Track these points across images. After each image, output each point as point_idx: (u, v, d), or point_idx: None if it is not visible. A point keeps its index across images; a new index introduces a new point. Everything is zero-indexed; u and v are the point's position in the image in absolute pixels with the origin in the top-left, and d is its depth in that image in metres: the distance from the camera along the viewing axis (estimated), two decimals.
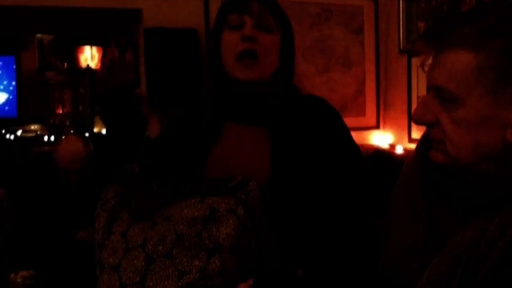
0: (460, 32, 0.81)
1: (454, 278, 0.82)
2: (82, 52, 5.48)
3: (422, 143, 0.98)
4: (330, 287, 1.15)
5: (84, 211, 2.74)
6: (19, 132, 4.69)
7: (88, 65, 5.39)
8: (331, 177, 1.18)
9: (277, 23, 1.22)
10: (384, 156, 2.98)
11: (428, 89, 0.88)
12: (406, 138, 3.03)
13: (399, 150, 3.00)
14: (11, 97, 5.02)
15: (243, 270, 1.06)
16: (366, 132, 3.19)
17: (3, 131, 4.67)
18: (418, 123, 0.88)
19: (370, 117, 3.18)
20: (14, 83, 5.05)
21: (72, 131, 4.68)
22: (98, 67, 5.48)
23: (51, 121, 4.96)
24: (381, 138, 3.23)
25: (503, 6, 0.82)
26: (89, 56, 5.46)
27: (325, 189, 1.17)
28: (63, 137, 2.86)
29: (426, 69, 0.88)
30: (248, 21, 1.20)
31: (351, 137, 1.27)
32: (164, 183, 1.14)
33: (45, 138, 4.58)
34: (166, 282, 1.02)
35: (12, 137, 4.59)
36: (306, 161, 1.18)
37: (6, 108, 4.98)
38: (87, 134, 4.52)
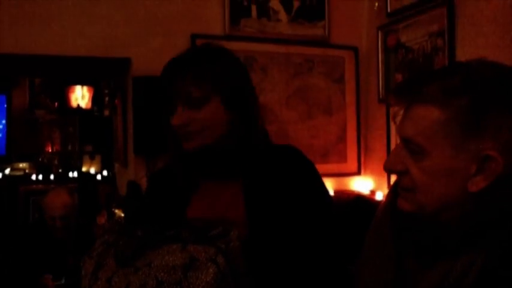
0: (428, 89, 0.87)
1: None
2: (73, 92, 5.55)
3: (392, 191, 1.03)
4: None
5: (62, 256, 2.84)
6: (7, 171, 4.71)
7: (78, 105, 5.46)
8: (304, 226, 1.21)
9: (213, 91, 1.19)
10: (364, 202, 3.01)
11: (400, 139, 0.93)
12: (385, 184, 3.08)
13: (379, 196, 3.05)
14: (0, 135, 5.06)
15: None
16: (347, 178, 3.23)
17: None
18: (389, 171, 0.94)
19: (352, 163, 3.23)
20: (3, 121, 5.10)
21: (60, 170, 4.70)
22: (88, 106, 5.55)
23: (40, 159, 4.98)
24: (361, 184, 3.27)
25: (468, 67, 0.89)
26: (80, 96, 5.54)
27: (300, 238, 1.20)
28: (51, 189, 3.11)
29: (397, 121, 0.94)
30: (178, 105, 1.20)
31: (323, 186, 1.29)
32: (147, 230, 1.18)
33: (33, 177, 4.59)
34: None
35: (0, 175, 4.61)
36: (279, 211, 1.20)
37: None
38: (75, 173, 4.55)
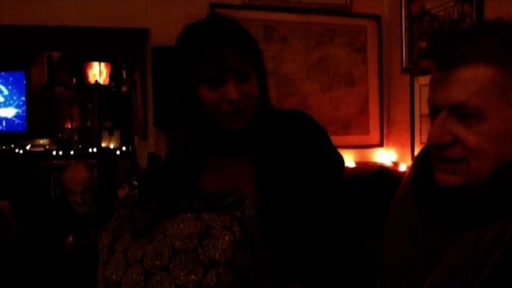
0: (475, 48, 0.81)
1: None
2: (91, 68, 5.56)
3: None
4: None
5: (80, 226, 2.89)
6: (28, 147, 4.75)
7: (96, 81, 5.47)
8: (315, 193, 1.19)
9: (252, 64, 1.17)
10: (387, 173, 2.98)
11: (436, 108, 0.87)
12: (409, 156, 3.03)
13: (402, 168, 3.01)
14: (20, 112, 5.09)
15: (240, 286, 1.08)
16: (369, 150, 3.19)
17: (13, 145, 4.73)
18: (435, 146, 0.87)
19: (374, 135, 3.18)
20: (23, 98, 5.13)
21: (80, 146, 4.73)
22: (106, 83, 5.56)
23: (60, 136, 5.02)
24: (384, 156, 3.23)
25: (508, 24, 0.84)
26: (97, 72, 5.54)
27: (311, 206, 1.18)
28: (71, 164, 3.15)
29: (437, 88, 0.86)
30: (229, 79, 1.13)
31: (333, 149, 1.26)
32: (161, 202, 1.17)
33: (54, 152, 4.63)
34: None
35: (21, 151, 4.65)
36: (291, 181, 1.19)
37: (16, 122, 5.06)
38: (95, 149, 4.57)
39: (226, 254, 1.05)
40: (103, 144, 4.84)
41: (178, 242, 1.08)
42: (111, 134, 4.92)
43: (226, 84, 1.13)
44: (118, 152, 4.65)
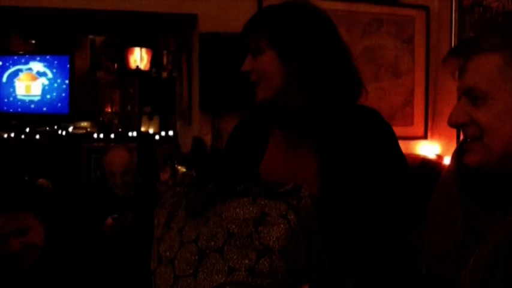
0: (486, 39, 0.94)
1: (497, 264, 0.87)
2: (132, 53, 5.63)
3: (457, 151, 1.04)
4: None
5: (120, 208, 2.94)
6: (70, 129, 4.86)
7: (137, 66, 5.54)
8: (375, 191, 1.19)
9: (269, 43, 1.23)
10: (430, 166, 2.94)
11: (459, 96, 0.97)
12: (454, 149, 2.97)
13: (447, 161, 2.94)
14: (63, 94, 5.21)
15: (293, 275, 1.08)
16: (413, 142, 3.15)
17: (56, 127, 4.85)
18: (453, 125, 0.97)
19: (418, 127, 3.14)
20: (67, 81, 5.24)
21: (120, 129, 4.81)
22: (146, 68, 5.63)
23: (101, 119, 5.12)
24: (428, 149, 3.19)
25: None
26: (138, 58, 5.61)
27: (370, 203, 1.19)
28: (112, 147, 3.19)
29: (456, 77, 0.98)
30: (248, 54, 1.27)
31: (399, 151, 1.26)
32: (218, 183, 1.18)
33: (95, 135, 4.72)
34: (216, 277, 1.05)
35: (63, 132, 4.76)
36: (352, 174, 1.19)
37: (59, 105, 5.17)
38: (135, 133, 4.64)
39: (281, 242, 1.05)
40: (142, 129, 4.91)
41: (233, 226, 1.09)
42: (150, 119, 4.99)
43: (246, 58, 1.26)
44: (157, 137, 4.71)
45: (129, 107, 5.28)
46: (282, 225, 1.06)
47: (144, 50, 5.63)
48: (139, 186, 3.11)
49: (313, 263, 1.10)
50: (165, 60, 5.67)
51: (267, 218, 1.07)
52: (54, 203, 2.02)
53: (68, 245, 1.86)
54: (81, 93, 5.39)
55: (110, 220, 2.92)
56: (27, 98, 5.21)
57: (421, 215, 1.10)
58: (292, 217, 1.07)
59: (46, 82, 5.21)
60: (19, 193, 1.78)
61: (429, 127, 3.20)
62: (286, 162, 1.26)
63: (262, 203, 1.10)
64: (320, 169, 1.21)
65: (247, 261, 1.05)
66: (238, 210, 1.10)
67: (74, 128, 4.92)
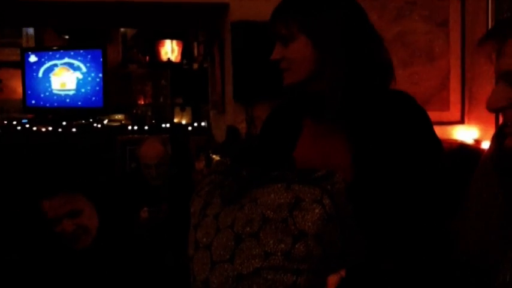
0: None
1: None
2: (163, 46, 5.68)
3: (496, 135, 1.02)
4: (418, 282, 1.15)
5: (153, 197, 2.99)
6: (105, 121, 4.95)
7: (168, 58, 5.58)
8: (410, 176, 1.17)
9: (300, 29, 1.21)
10: (468, 152, 2.87)
11: (497, 80, 0.94)
12: (492, 133, 2.90)
13: (485, 145, 2.87)
14: (97, 88, 5.29)
15: (329, 260, 1.08)
16: (449, 127, 3.08)
17: (91, 120, 4.94)
18: (492, 110, 0.95)
19: (454, 111, 3.07)
20: (100, 75, 5.32)
21: (153, 121, 4.87)
22: (177, 60, 5.67)
23: (134, 111, 5.19)
24: (465, 134, 3.11)
25: None
26: (169, 50, 5.66)
27: (405, 188, 1.17)
28: (146, 139, 3.23)
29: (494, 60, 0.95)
30: (277, 42, 1.25)
31: (434, 136, 1.24)
32: (252, 170, 1.18)
33: (129, 127, 4.79)
34: (253, 261, 1.07)
35: (99, 125, 4.85)
36: (387, 159, 1.17)
37: (93, 98, 5.26)
38: (168, 125, 4.69)
39: (316, 226, 1.06)
40: (175, 120, 4.96)
41: (268, 211, 1.10)
42: (182, 110, 5.03)
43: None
44: (190, 128, 4.75)
45: (161, 99, 5.34)
46: (317, 210, 1.06)
47: (174, 42, 5.67)
48: (174, 176, 3.14)
49: (349, 248, 1.10)
50: (195, 51, 5.70)
51: (301, 203, 1.08)
52: (105, 186, 2.08)
53: (121, 228, 1.92)
54: (114, 87, 5.47)
55: (144, 213, 2.97)
56: (62, 93, 5.32)
57: (460, 201, 1.08)
58: (327, 202, 1.07)
59: (80, 76, 5.30)
60: (70, 176, 1.86)
61: (466, 111, 3.12)
62: (319, 150, 1.25)
63: (297, 188, 1.10)
64: (354, 156, 1.20)
65: (283, 246, 1.06)
66: (273, 195, 1.11)
67: (108, 121, 5.00)
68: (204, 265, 1.13)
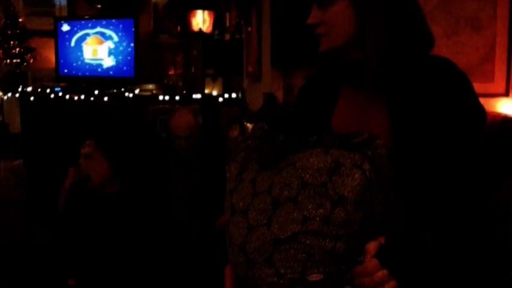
0: None
1: None
2: (194, 16, 5.63)
3: None
4: (458, 252, 1.10)
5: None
6: (137, 91, 4.96)
7: (200, 29, 5.53)
8: (450, 144, 1.13)
9: None
10: None
11: None
12: None
13: None
14: (129, 58, 5.29)
15: (368, 226, 1.05)
16: (493, 100, 2.96)
17: (122, 90, 4.96)
18: None
19: (499, 83, 2.94)
20: (132, 44, 5.32)
21: (184, 92, 4.86)
22: (209, 30, 5.61)
23: (165, 81, 5.19)
24: (509, 107, 3.00)
25: None
26: (201, 20, 5.60)
27: (446, 154, 1.12)
28: (177, 109, 3.21)
29: None
30: (313, 5, 1.20)
31: (476, 103, 1.18)
32: (290, 135, 1.16)
33: (160, 97, 4.80)
34: (291, 226, 1.04)
35: (130, 95, 4.86)
36: (427, 125, 1.13)
37: (125, 68, 5.27)
38: (199, 95, 4.67)
39: (356, 192, 1.02)
40: (206, 91, 4.93)
41: (307, 175, 1.07)
42: (214, 81, 5.00)
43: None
44: (220, 99, 4.72)
45: (192, 69, 5.32)
46: (357, 175, 1.03)
47: (206, 12, 5.61)
48: (204, 147, 3.13)
49: (389, 215, 1.07)
50: (227, 22, 5.64)
51: (341, 168, 1.05)
52: (136, 155, 2.13)
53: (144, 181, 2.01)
54: (145, 57, 5.47)
55: (176, 185, 2.96)
56: (94, 62, 5.35)
57: (505, 175, 1.02)
58: (367, 167, 1.04)
59: (112, 46, 5.31)
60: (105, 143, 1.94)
61: (511, 84, 3.00)
62: (357, 118, 1.22)
63: (336, 153, 1.07)
64: (393, 124, 1.16)
65: (321, 211, 1.04)
66: (311, 160, 1.09)
67: (139, 91, 5.01)
68: (241, 230, 1.12)
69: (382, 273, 1.02)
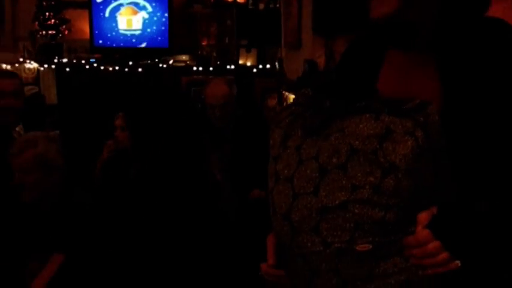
0: None
1: None
2: None
3: None
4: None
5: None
6: (170, 62, 4.94)
7: None
8: (508, 109, 1.04)
9: None
10: None
11: None
12: None
13: None
14: (163, 28, 5.27)
15: (420, 196, 1.00)
16: None
17: (156, 60, 4.95)
18: None
19: None
20: (166, 14, 5.28)
21: (218, 62, 4.82)
22: (243, 0, 5.53)
23: (199, 52, 5.15)
24: None
25: None
26: None
27: (501, 121, 1.04)
28: (211, 79, 3.19)
29: None
30: None
31: None
32: (336, 101, 1.10)
33: (194, 68, 4.77)
34: (339, 194, 1.01)
35: (164, 65, 4.86)
36: (482, 90, 1.05)
37: (159, 38, 5.25)
38: (233, 66, 4.63)
39: (407, 159, 0.98)
40: (240, 62, 4.88)
41: (357, 142, 1.02)
42: (248, 51, 4.94)
43: None
44: (254, 70, 4.67)
45: (226, 40, 5.26)
46: (409, 142, 0.98)
47: None
48: (238, 117, 3.11)
49: (442, 185, 1.02)
50: None
51: (392, 134, 1.00)
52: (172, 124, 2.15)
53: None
54: (179, 27, 5.43)
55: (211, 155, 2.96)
56: (128, 33, 5.34)
57: None
58: (419, 134, 0.99)
59: (146, 16, 5.29)
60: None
61: None
62: (405, 82, 1.14)
63: (387, 119, 1.02)
64: (443, 87, 1.08)
65: (371, 179, 0.99)
66: (361, 126, 1.04)
67: (173, 61, 4.99)
68: (285, 198, 1.08)
69: (434, 244, 0.97)
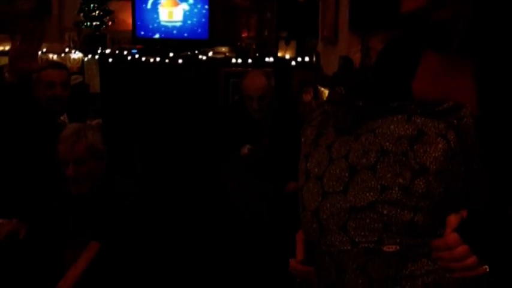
0: None
1: None
2: None
3: None
4: None
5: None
6: (210, 53, 4.98)
7: None
8: None
9: None
10: None
11: None
12: None
13: None
14: (203, 20, 5.31)
15: (450, 199, 1.00)
16: None
17: (196, 52, 5.00)
18: None
19: None
20: (206, 6, 5.32)
21: (257, 54, 4.83)
22: None
23: (238, 44, 5.16)
24: None
25: None
26: None
27: None
28: (250, 71, 3.19)
29: None
30: None
31: None
32: (369, 100, 1.10)
33: (233, 60, 4.80)
34: (368, 194, 1.02)
35: (203, 57, 4.90)
36: None
37: (199, 30, 5.30)
38: (272, 58, 4.64)
39: (438, 162, 0.97)
40: (279, 54, 4.87)
41: (387, 143, 1.03)
42: (287, 44, 4.91)
43: None
44: (293, 63, 4.65)
45: (265, 32, 5.25)
46: (441, 145, 0.98)
47: None
48: (276, 109, 3.11)
49: (473, 188, 1.01)
50: None
51: (424, 136, 1.00)
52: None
53: None
54: (219, 19, 5.45)
55: (245, 149, 2.98)
56: (169, 24, 5.40)
57: None
58: (451, 137, 0.98)
59: (187, 8, 5.34)
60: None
61: None
62: (440, 84, 1.13)
63: (419, 121, 1.02)
64: (480, 90, 1.07)
65: (401, 180, 1.00)
66: (392, 127, 1.04)
67: (213, 53, 5.02)
68: (315, 195, 1.10)
69: (462, 248, 0.96)
